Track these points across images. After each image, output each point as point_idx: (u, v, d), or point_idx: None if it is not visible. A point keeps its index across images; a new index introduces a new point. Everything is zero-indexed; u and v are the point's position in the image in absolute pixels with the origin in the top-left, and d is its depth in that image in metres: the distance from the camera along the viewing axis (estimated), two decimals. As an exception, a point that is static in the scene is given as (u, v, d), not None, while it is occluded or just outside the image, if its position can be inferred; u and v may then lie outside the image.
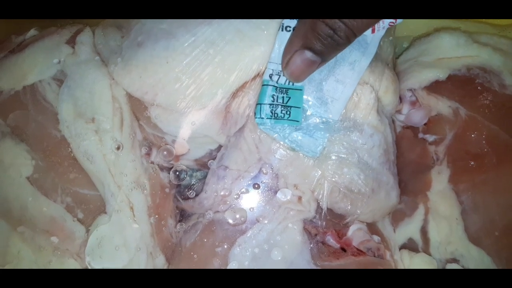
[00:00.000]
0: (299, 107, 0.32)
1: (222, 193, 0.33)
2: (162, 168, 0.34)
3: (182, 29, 0.34)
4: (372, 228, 0.35)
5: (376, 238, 0.35)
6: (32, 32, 0.37)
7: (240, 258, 0.32)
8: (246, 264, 0.32)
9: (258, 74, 0.33)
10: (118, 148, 0.33)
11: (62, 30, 0.36)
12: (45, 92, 0.35)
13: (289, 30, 0.32)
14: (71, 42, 0.36)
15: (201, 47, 0.33)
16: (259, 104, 0.32)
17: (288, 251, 0.32)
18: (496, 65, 0.36)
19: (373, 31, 0.32)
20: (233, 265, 0.31)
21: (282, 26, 0.32)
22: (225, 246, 0.32)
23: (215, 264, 0.32)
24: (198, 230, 0.34)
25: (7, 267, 0.34)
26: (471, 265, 0.34)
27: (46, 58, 0.35)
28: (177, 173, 0.34)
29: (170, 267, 0.33)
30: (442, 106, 0.36)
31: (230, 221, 0.33)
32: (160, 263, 0.33)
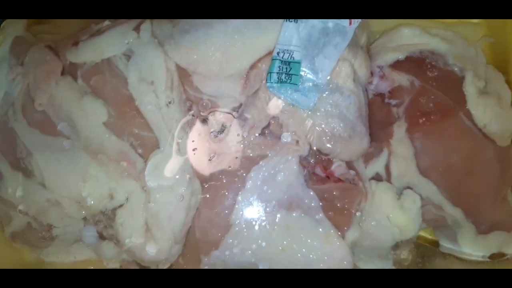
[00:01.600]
0: (297, 75, 0.43)
1: (242, 137, 0.46)
2: (200, 118, 0.47)
3: (217, 20, 0.46)
4: (349, 165, 0.46)
5: (352, 172, 0.47)
6: (107, 22, 0.50)
7: (254, 180, 0.44)
8: (259, 184, 0.44)
9: (269, 52, 0.44)
10: (169, 103, 0.46)
11: (129, 21, 0.48)
12: (117, 63, 0.46)
13: (291, 21, 0.45)
14: (137, 29, 0.47)
15: (230, 33, 0.45)
16: (269, 73, 0.44)
17: (288, 176, 0.44)
18: (442, 50, 0.48)
19: (350, 23, 0.45)
20: (250, 183, 0.44)
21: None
22: (244, 172, 0.45)
23: (237, 184, 0.44)
24: (225, 163, 0.46)
25: (85, 186, 0.47)
26: (422, 192, 0.46)
27: (119, 40, 0.47)
28: (210, 122, 0.47)
29: (205, 187, 0.46)
30: (402, 79, 0.47)
31: (248, 154, 0.46)
32: (196, 186, 0.46)
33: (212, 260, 0.45)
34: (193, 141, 0.46)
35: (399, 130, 0.46)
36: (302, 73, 0.44)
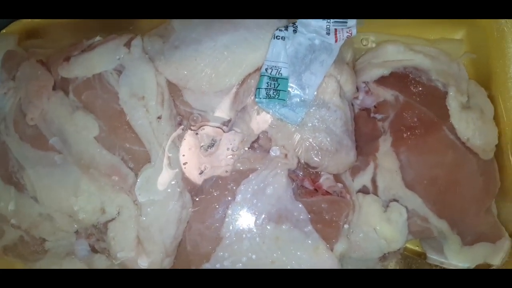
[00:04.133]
0: (285, 91, 0.45)
1: (232, 150, 0.47)
2: (189, 133, 0.47)
3: (206, 37, 0.47)
4: (337, 178, 0.47)
5: (339, 185, 0.48)
6: (98, 38, 0.51)
7: (244, 193, 0.45)
8: (248, 197, 0.45)
9: (258, 68, 0.46)
10: (159, 118, 0.47)
11: (120, 37, 0.49)
12: (109, 79, 0.47)
13: (279, 39, 0.46)
14: (128, 45, 0.48)
15: (219, 50, 0.46)
16: (258, 88, 0.45)
17: (277, 189, 0.45)
18: (425, 66, 0.49)
19: (336, 41, 0.47)
20: (240, 196, 0.45)
21: (274, 35, 0.45)
22: (234, 185, 0.46)
23: (227, 197, 0.45)
24: (215, 176, 0.47)
25: (77, 200, 0.47)
26: (408, 204, 0.47)
27: (110, 55, 0.48)
28: (200, 136, 0.48)
29: (196, 201, 0.46)
30: (387, 94, 0.48)
31: (238, 168, 0.46)
32: (187, 199, 0.47)
33: (203, 273, 0.46)
34: (183, 155, 0.46)
35: (385, 144, 0.48)
36: (290, 89, 0.45)
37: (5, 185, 0.50)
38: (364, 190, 0.48)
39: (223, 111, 0.47)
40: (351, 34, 0.46)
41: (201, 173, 0.47)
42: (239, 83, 0.46)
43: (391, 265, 0.50)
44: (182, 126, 0.47)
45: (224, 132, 0.47)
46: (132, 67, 0.48)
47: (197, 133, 0.47)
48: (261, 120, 0.46)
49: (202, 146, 0.47)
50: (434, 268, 0.51)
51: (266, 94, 0.45)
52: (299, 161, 0.46)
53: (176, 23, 0.50)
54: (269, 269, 0.44)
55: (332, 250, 0.45)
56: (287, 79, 0.45)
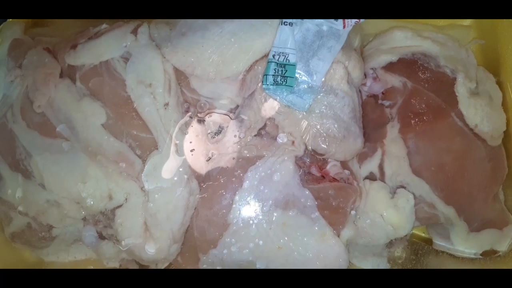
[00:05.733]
0: (293, 77, 0.45)
1: (239, 137, 0.47)
2: (196, 120, 0.48)
3: (213, 24, 0.47)
4: (344, 165, 0.47)
5: (347, 171, 0.48)
6: (105, 25, 0.51)
7: (251, 179, 0.45)
8: (256, 183, 0.45)
9: (265, 54, 0.46)
10: (167, 105, 0.47)
11: (127, 24, 0.49)
12: (116, 66, 0.47)
13: (287, 25, 0.46)
14: (134, 32, 0.48)
15: (226, 36, 0.46)
16: (265, 75, 0.45)
17: (284, 176, 0.45)
18: (433, 52, 0.49)
19: (344, 27, 0.46)
20: (247, 183, 0.45)
21: (282, 21, 0.45)
22: (241, 172, 0.46)
23: (235, 184, 0.45)
24: (222, 163, 0.47)
25: (85, 186, 0.47)
26: (415, 191, 0.47)
27: (117, 43, 0.48)
28: (207, 123, 0.48)
29: (203, 187, 0.46)
30: (395, 80, 0.48)
31: (245, 155, 0.46)
32: (194, 186, 0.47)
33: (211, 259, 0.46)
34: (190, 142, 0.46)
35: (392, 131, 0.48)
36: (297, 75, 0.45)
37: (12, 172, 0.50)
38: (371, 177, 0.48)
39: (230, 98, 0.47)
40: (359, 20, 0.46)
41: (208, 160, 0.47)
42: (246, 69, 0.46)
43: (398, 251, 0.51)
44: (189, 113, 0.47)
45: (231, 119, 0.47)
46: (139, 54, 0.48)
47: (204, 120, 0.47)
48: (268, 107, 0.46)
49: (209, 133, 0.47)
50: (440, 254, 0.51)
51: (274, 80, 0.45)
52: (306, 148, 0.46)
53: (183, 9, 0.49)
54: (272, 269, 0.44)
55: (339, 236, 0.45)
56: (294, 65, 0.45)
